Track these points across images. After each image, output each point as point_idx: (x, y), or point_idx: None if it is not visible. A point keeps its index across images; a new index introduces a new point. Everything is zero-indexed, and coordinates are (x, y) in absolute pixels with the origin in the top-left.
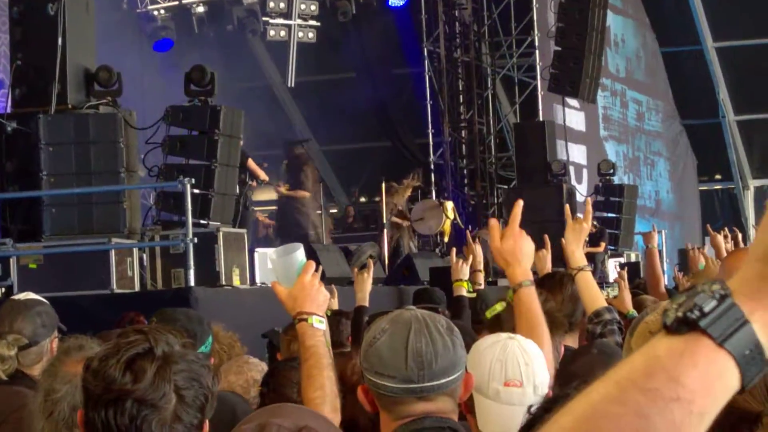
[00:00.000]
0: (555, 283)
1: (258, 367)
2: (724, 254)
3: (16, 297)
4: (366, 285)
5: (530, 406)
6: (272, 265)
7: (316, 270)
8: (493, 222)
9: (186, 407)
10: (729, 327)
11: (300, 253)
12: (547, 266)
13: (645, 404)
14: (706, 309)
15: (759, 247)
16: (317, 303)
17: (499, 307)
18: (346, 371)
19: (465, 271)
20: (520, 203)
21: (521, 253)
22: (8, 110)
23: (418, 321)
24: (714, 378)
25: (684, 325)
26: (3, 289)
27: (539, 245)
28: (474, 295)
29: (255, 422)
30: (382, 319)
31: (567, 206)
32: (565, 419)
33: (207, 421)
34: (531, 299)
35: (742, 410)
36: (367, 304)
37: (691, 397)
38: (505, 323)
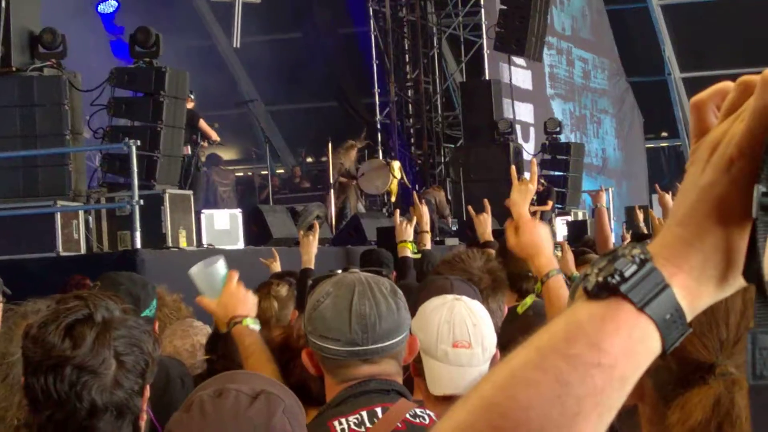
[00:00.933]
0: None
1: (203, 331)
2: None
3: None
4: (311, 247)
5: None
6: (195, 278)
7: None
8: (509, 223)
9: (126, 373)
10: (649, 291)
11: (221, 264)
12: (488, 230)
13: (566, 370)
14: (627, 274)
15: (679, 211)
16: (248, 306)
17: (529, 300)
18: (292, 335)
19: (409, 232)
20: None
21: (541, 242)
22: None
23: (361, 284)
24: (635, 342)
25: (604, 290)
26: None
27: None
28: (419, 256)
29: (212, 388)
30: (326, 283)
31: (513, 167)
32: (485, 387)
33: (148, 387)
34: (560, 287)
35: (695, 361)
36: (312, 266)
37: (613, 362)
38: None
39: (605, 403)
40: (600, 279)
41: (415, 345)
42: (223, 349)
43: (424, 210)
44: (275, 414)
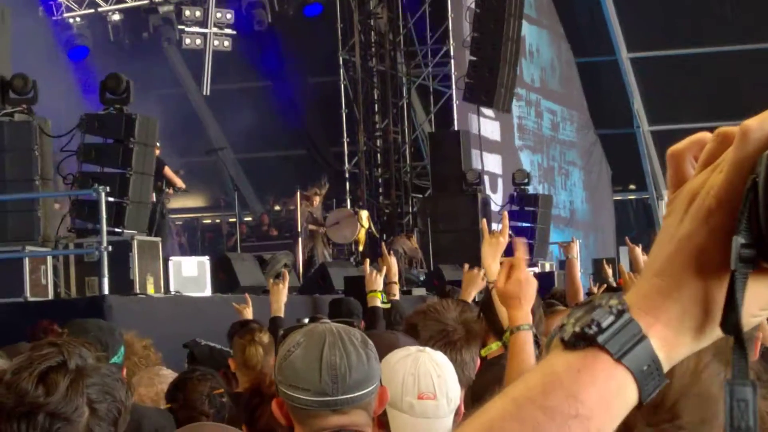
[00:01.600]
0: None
1: (169, 379)
2: (642, 266)
3: None
4: (281, 296)
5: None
6: None
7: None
8: (506, 262)
9: (99, 421)
10: (627, 342)
11: None
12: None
13: (543, 421)
14: (604, 324)
15: (656, 261)
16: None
17: (494, 347)
18: (264, 381)
19: (379, 282)
20: (521, 248)
21: (525, 298)
22: None
23: (332, 334)
24: (612, 394)
25: (581, 341)
26: None
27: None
28: (388, 305)
29: None
30: (297, 333)
31: (483, 221)
32: None
33: None
34: (527, 343)
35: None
36: (282, 314)
37: (590, 414)
38: (420, 332)
39: None
40: (577, 329)
41: (385, 396)
42: (183, 399)
43: (392, 261)
44: None
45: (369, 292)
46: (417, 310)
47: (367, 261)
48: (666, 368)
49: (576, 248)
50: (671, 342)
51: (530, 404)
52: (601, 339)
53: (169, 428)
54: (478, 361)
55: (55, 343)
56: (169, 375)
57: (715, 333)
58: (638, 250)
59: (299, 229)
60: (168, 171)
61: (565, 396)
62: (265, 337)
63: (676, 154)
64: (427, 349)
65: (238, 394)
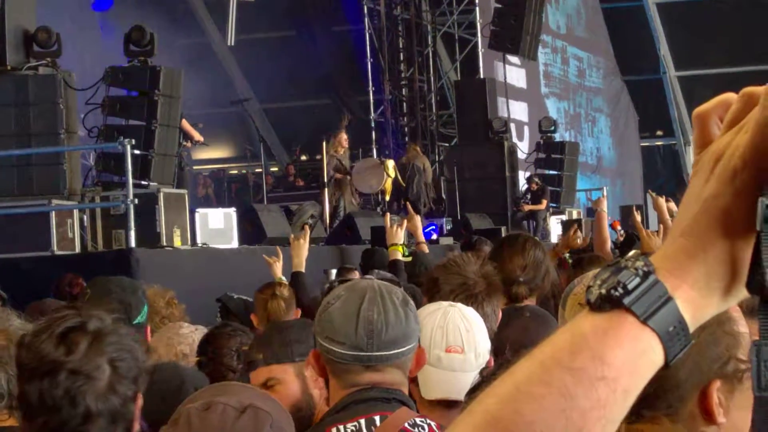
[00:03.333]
0: (517, 247)
1: (188, 339)
2: (667, 217)
3: None
4: (302, 250)
5: (483, 369)
6: None
7: None
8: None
9: (120, 378)
10: (653, 304)
11: None
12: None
13: (570, 384)
14: (630, 286)
15: (682, 222)
16: None
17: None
18: None
19: (400, 236)
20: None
21: None
22: None
23: (373, 290)
24: (638, 356)
25: (607, 303)
26: None
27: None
28: (410, 258)
29: (200, 401)
30: (341, 286)
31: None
32: (490, 400)
33: (140, 395)
34: None
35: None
36: (303, 269)
37: (616, 375)
38: (441, 286)
39: (609, 417)
40: (603, 291)
41: (423, 357)
42: (212, 353)
43: (418, 221)
44: (262, 429)
45: (390, 245)
46: (438, 265)
47: (388, 215)
48: (692, 329)
49: (605, 202)
50: (697, 303)
51: (557, 366)
52: (626, 301)
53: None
54: (500, 314)
55: (73, 306)
56: (189, 333)
57: (741, 293)
58: (662, 201)
59: (325, 179)
60: (185, 124)
61: (591, 358)
62: (286, 291)
63: (701, 115)
64: (458, 304)
65: None
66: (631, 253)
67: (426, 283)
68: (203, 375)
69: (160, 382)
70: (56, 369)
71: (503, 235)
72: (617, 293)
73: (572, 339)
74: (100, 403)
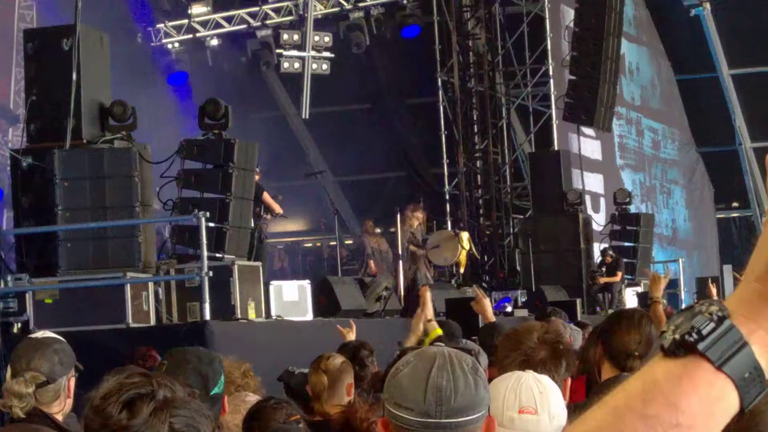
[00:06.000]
0: (633, 321)
1: None
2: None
3: (33, 335)
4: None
5: None
6: None
7: None
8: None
9: None
10: (728, 350)
11: None
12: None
13: (643, 431)
14: (704, 331)
15: (756, 267)
16: None
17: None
18: (356, 416)
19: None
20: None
21: None
22: (24, 146)
23: (443, 357)
24: (713, 402)
25: (682, 348)
26: (19, 324)
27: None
28: None
29: None
30: (411, 353)
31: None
32: None
33: None
34: None
35: None
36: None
37: (691, 422)
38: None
39: None
40: (677, 337)
41: (492, 426)
42: (258, 428)
43: (487, 303)
44: None
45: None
46: (503, 334)
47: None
48: None
49: (661, 287)
50: None
51: (630, 413)
52: (701, 346)
53: None
54: (568, 382)
55: (146, 374)
56: (254, 401)
57: None
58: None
59: (399, 252)
60: (267, 197)
61: (665, 404)
62: (335, 363)
63: None
64: (530, 371)
65: (319, 423)
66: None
67: (493, 353)
68: None
69: None
70: None
71: (579, 306)
72: (692, 339)
73: (645, 385)
74: None
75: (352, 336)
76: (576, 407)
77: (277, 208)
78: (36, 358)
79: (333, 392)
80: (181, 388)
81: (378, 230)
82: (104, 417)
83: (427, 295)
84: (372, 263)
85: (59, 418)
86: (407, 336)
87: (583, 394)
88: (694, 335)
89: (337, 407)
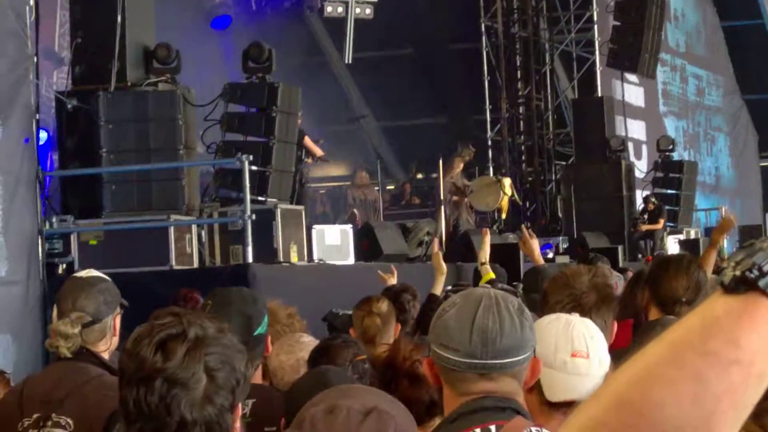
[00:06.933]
0: (681, 267)
1: (310, 346)
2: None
3: (78, 274)
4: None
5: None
6: None
7: None
8: None
9: (217, 388)
10: None
11: None
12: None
13: (703, 367)
14: (765, 268)
15: None
16: None
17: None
18: (398, 355)
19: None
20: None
21: None
22: (68, 88)
23: (489, 298)
24: None
25: (742, 285)
26: (64, 266)
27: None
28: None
29: (323, 404)
30: (456, 294)
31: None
32: (619, 381)
33: (240, 405)
34: None
35: None
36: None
37: (751, 359)
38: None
39: (742, 401)
40: (737, 273)
41: (538, 367)
42: (327, 362)
43: (535, 244)
44: (387, 431)
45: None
46: (550, 278)
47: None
48: None
49: (725, 232)
50: None
51: (689, 349)
52: (762, 283)
53: None
54: (614, 326)
55: (176, 313)
56: (309, 342)
57: None
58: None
59: (441, 197)
60: (308, 141)
61: (724, 341)
62: (384, 306)
63: None
64: (576, 314)
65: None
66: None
67: (541, 297)
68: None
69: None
70: (152, 376)
71: (621, 254)
72: (752, 275)
73: (704, 322)
74: (195, 413)
75: (393, 281)
76: (617, 354)
77: (319, 151)
78: (81, 298)
79: (383, 335)
80: (212, 325)
81: (369, 181)
82: (139, 360)
83: (487, 238)
84: (355, 212)
85: (105, 356)
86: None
87: (624, 340)
88: (755, 272)
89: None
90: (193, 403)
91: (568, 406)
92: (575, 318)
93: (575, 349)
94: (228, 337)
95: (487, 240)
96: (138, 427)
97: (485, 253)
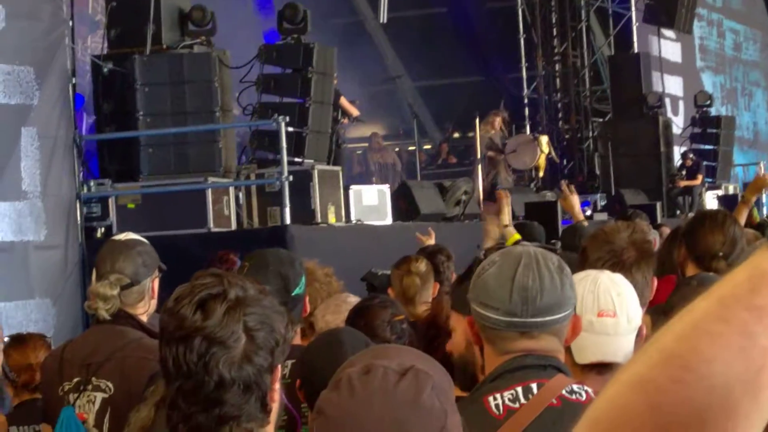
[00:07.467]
0: (717, 222)
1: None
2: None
3: (116, 237)
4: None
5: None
6: None
7: None
8: None
9: (257, 348)
10: None
11: None
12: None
13: (750, 322)
14: None
15: None
16: None
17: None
18: (440, 314)
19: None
20: None
21: None
22: (104, 51)
23: (528, 256)
24: None
25: None
26: (103, 230)
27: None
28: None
29: (359, 365)
30: (496, 252)
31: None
32: (667, 337)
33: (279, 366)
34: None
35: None
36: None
37: None
38: (589, 255)
39: None
40: None
41: (578, 325)
42: (364, 325)
43: (575, 200)
44: (424, 391)
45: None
46: (589, 235)
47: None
48: None
49: (760, 189)
50: None
51: (736, 303)
52: None
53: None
54: (654, 282)
55: (217, 274)
56: (355, 302)
57: None
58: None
59: (478, 156)
60: (344, 101)
61: None
62: (422, 266)
63: None
64: (606, 271)
65: (411, 324)
66: None
67: (579, 255)
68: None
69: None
70: (192, 335)
71: (659, 210)
72: None
73: (751, 276)
74: (233, 372)
75: (431, 242)
76: (656, 309)
77: (355, 111)
78: (120, 260)
79: (422, 294)
80: (252, 286)
81: (385, 143)
82: (179, 319)
83: (505, 200)
84: (374, 178)
85: (144, 318)
86: (483, 240)
87: (662, 296)
88: None
89: (425, 308)
90: (232, 362)
91: (600, 367)
92: (603, 275)
93: (601, 309)
94: (268, 299)
95: (507, 202)
96: (177, 385)
97: (506, 216)
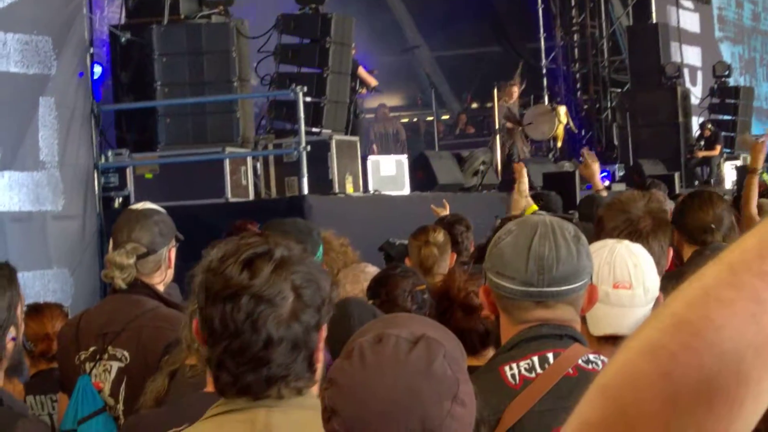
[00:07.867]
0: (704, 199)
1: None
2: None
3: (133, 206)
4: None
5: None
6: None
7: None
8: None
9: (304, 306)
10: None
11: None
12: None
13: (761, 288)
14: None
15: None
16: None
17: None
18: (453, 285)
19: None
20: None
21: None
22: (122, 21)
23: (545, 225)
24: None
25: None
26: (120, 199)
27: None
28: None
29: (371, 334)
30: (512, 222)
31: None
32: (676, 304)
33: (325, 326)
34: None
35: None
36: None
37: None
38: (605, 224)
39: None
40: None
41: (595, 294)
42: (385, 294)
43: (596, 167)
44: (436, 359)
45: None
46: (605, 204)
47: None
48: None
49: (762, 156)
50: None
51: (747, 270)
52: None
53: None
54: (670, 252)
55: (262, 233)
56: (374, 272)
57: None
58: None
59: (496, 126)
60: (362, 71)
61: None
62: (440, 236)
63: None
64: (624, 241)
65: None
66: None
67: (595, 223)
68: (372, 307)
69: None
70: (239, 293)
71: (677, 180)
72: None
73: (762, 241)
74: (281, 330)
75: (446, 213)
76: (668, 275)
77: (372, 81)
78: (136, 230)
79: (439, 265)
80: (296, 246)
81: (401, 113)
82: (225, 278)
83: (523, 172)
84: (374, 147)
85: (160, 288)
86: (508, 211)
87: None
88: None
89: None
90: (280, 320)
91: (615, 339)
92: (620, 245)
93: (617, 280)
94: (312, 260)
95: (524, 173)
96: (224, 345)
97: (524, 186)
